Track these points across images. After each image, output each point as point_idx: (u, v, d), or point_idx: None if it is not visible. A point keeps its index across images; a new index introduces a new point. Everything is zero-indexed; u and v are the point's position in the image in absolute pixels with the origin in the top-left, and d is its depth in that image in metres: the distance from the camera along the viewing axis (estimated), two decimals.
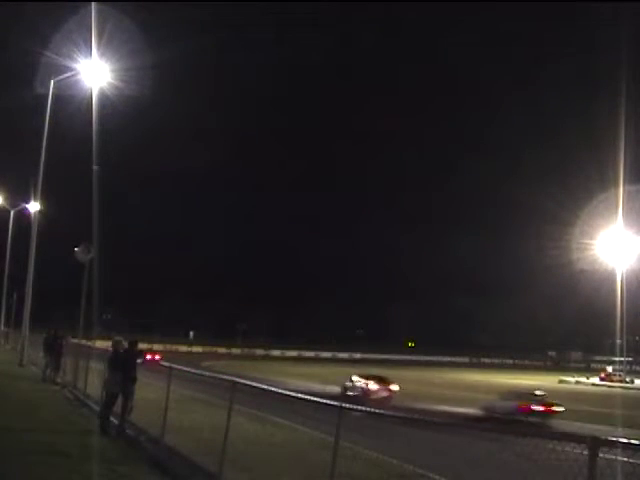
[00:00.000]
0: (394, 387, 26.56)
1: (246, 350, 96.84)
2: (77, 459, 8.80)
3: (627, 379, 57.94)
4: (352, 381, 27.56)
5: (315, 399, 7.18)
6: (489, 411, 20.35)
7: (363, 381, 27.04)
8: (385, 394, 25.42)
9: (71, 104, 27.77)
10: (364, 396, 24.82)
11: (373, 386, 26.31)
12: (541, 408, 19.89)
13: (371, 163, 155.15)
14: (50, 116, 27.14)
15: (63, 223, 56.43)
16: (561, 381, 58.06)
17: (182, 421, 10.39)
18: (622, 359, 63.72)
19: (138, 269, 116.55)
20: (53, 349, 21.14)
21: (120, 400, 11.69)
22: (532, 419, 18.57)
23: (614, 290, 55.28)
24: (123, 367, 11.85)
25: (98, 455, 9.04)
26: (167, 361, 14.32)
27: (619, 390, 45.36)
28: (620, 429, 16.96)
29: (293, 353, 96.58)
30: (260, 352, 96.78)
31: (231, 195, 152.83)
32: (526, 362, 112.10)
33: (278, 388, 9.77)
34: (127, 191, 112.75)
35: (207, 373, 16.67)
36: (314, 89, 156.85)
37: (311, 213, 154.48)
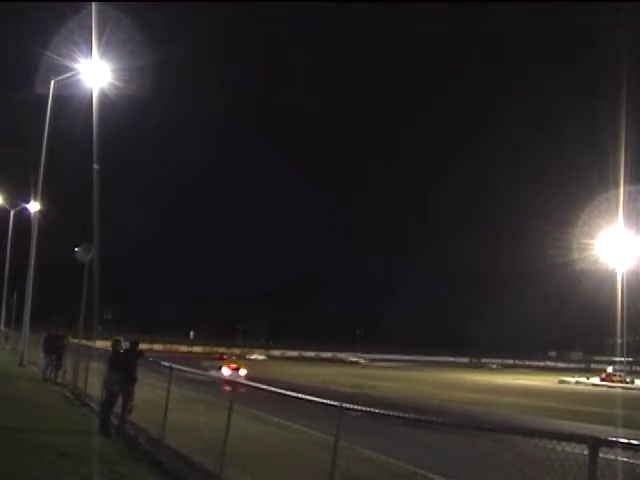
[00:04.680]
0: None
1: (246, 350, 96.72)
2: (77, 459, 8.77)
3: (627, 379, 57.85)
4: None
5: (315, 399, 7.16)
6: None
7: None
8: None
9: (71, 104, 27.80)
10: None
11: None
12: None
13: (370, 163, 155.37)
14: (50, 116, 27.12)
15: (63, 223, 56.45)
16: (561, 381, 58.04)
17: (182, 421, 10.37)
18: (622, 359, 63.64)
19: (138, 269, 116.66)
20: (53, 349, 21.10)
21: (120, 400, 11.70)
22: None
23: (614, 290, 55.22)
24: (123, 367, 11.86)
25: (98, 455, 9.01)
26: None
27: (619, 390, 45.25)
28: (620, 429, 16.93)
29: (293, 353, 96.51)
30: (260, 352, 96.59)
31: (231, 194, 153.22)
32: (526, 362, 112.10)
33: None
34: (127, 191, 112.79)
35: (207, 373, 16.67)
36: (312, 90, 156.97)
37: (311, 213, 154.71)
